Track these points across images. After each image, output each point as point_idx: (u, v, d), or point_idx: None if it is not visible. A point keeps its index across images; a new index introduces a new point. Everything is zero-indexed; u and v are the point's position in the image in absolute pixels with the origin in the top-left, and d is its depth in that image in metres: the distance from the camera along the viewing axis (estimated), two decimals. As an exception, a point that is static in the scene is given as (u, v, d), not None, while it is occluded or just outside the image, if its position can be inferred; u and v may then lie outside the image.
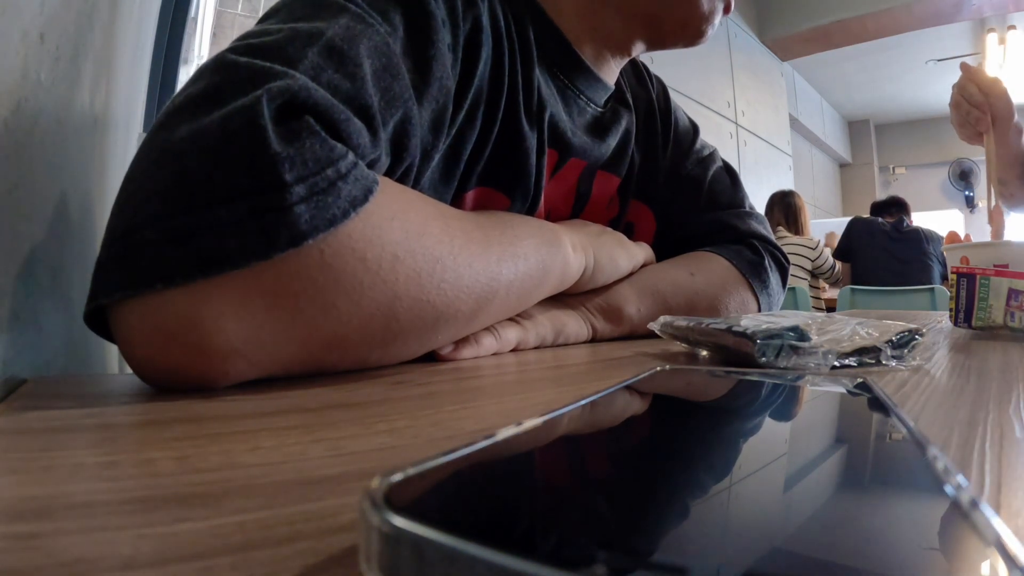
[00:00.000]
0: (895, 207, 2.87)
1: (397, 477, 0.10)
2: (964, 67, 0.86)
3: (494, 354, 0.43)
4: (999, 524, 0.09)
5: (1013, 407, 0.25)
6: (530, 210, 0.50)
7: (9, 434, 0.20)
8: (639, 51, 0.57)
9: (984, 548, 0.09)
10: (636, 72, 0.67)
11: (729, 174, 0.69)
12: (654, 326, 0.44)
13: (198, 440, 0.19)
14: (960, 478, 0.11)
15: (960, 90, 0.86)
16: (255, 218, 0.25)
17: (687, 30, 0.54)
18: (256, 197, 0.25)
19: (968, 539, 0.09)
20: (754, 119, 3.60)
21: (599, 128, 0.58)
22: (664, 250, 0.62)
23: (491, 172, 0.47)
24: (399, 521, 0.09)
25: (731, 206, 0.66)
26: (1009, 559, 0.08)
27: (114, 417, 0.23)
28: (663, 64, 2.58)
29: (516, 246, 0.40)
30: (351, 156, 0.29)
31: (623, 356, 0.43)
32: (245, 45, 0.29)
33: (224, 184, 0.25)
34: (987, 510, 0.10)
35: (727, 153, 3.24)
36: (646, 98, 0.65)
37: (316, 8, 0.33)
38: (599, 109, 0.57)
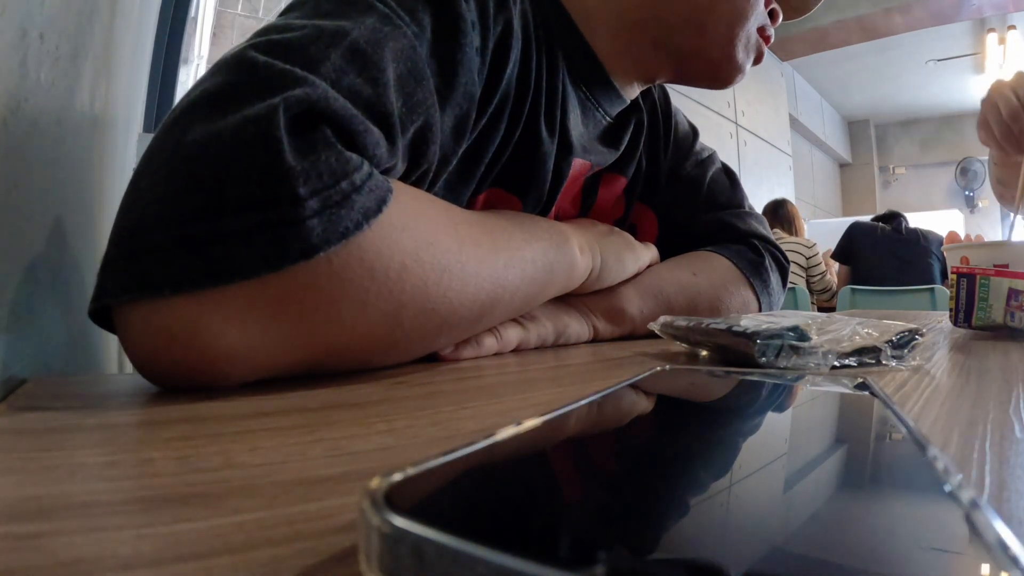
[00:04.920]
0: (892, 218, 2.88)
1: (397, 477, 0.10)
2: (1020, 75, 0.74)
3: (495, 354, 0.43)
4: (999, 524, 0.09)
5: (1013, 407, 0.25)
6: (542, 214, 0.50)
7: (9, 434, 0.20)
8: (662, 80, 0.58)
9: (984, 548, 0.09)
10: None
11: (728, 175, 0.70)
12: (654, 326, 0.44)
13: (198, 440, 0.19)
14: (960, 478, 0.11)
15: (1015, 90, 0.73)
16: (267, 230, 0.25)
17: (717, 75, 0.54)
18: (269, 209, 0.25)
19: (968, 539, 0.09)
20: (754, 119, 3.60)
21: (610, 137, 0.58)
22: (665, 250, 0.62)
23: (507, 175, 0.47)
24: (399, 521, 0.09)
25: (730, 206, 0.67)
26: (1009, 559, 0.08)
27: (114, 417, 0.23)
28: (663, 64, 2.58)
29: (524, 251, 0.40)
30: (366, 167, 0.28)
31: (623, 356, 0.43)
32: (266, 41, 0.29)
33: (236, 193, 0.25)
34: (987, 510, 0.10)
35: (727, 153, 3.25)
36: (649, 101, 0.65)
37: (343, 5, 0.32)
38: (611, 120, 0.57)
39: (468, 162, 0.43)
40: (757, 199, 3.16)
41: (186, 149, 0.26)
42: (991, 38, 4.19)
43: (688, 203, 0.66)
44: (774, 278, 0.63)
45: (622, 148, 0.59)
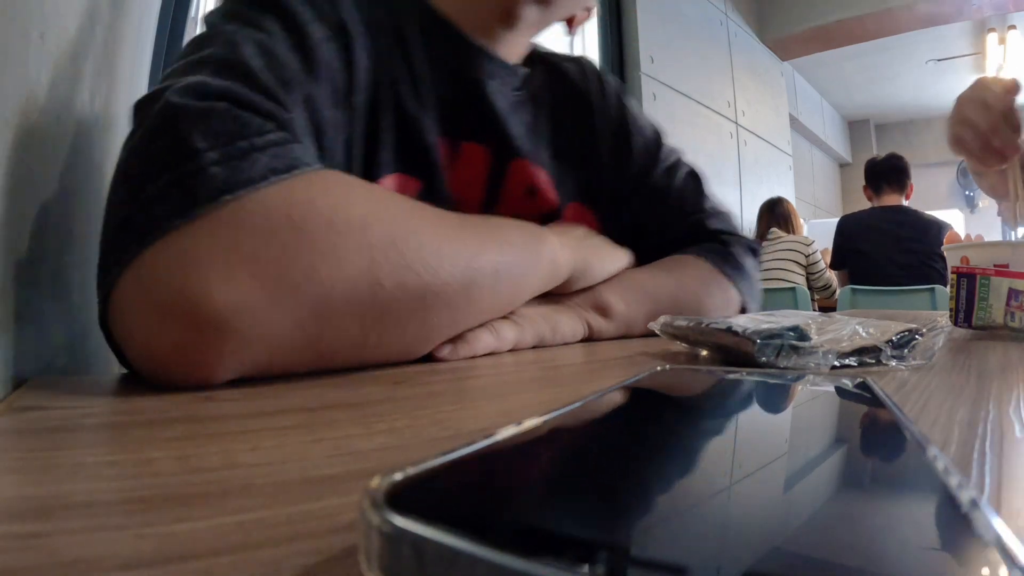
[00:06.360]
0: (895, 174, 2.52)
1: (397, 477, 0.10)
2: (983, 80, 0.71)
3: (492, 353, 0.43)
4: (999, 524, 0.09)
5: (1013, 407, 0.25)
6: (439, 197, 0.50)
7: (9, 434, 0.20)
8: (534, 17, 0.55)
9: (984, 548, 0.09)
10: (581, 69, 0.67)
11: (694, 178, 0.70)
12: (654, 326, 0.44)
13: (198, 440, 0.19)
14: (960, 478, 0.11)
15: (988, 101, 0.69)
16: (176, 184, 0.28)
17: None
18: (175, 168, 0.28)
19: (968, 539, 0.09)
20: (754, 119, 3.60)
21: (513, 113, 0.57)
22: (637, 257, 0.62)
23: (396, 160, 0.48)
24: (399, 521, 0.09)
25: (697, 211, 0.68)
26: (1009, 559, 0.08)
27: (114, 417, 0.23)
28: (663, 63, 2.58)
29: (499, 233, 0.41)
30: (270, 136, 0.31)
31: (623, 356, 0.43)
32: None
33: (151, 167, 0.28)
34: (987, 510, 0.10)
35: (727, 153, 3.23)
36: (597, 94, 0.65)
37: (199, 42, 0.36)
38: (514, 92, 0.57)
39: (357, 151, 0.45)
40: (757, 199, 3.15)
41: (119, 165, 0.30)
42: (991, 38, 4.19)
43: (658, 211, 0.66)
44: (748, 262, 0.64)
45: (520, 130, 0.57)
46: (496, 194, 0.57)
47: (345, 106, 0.42)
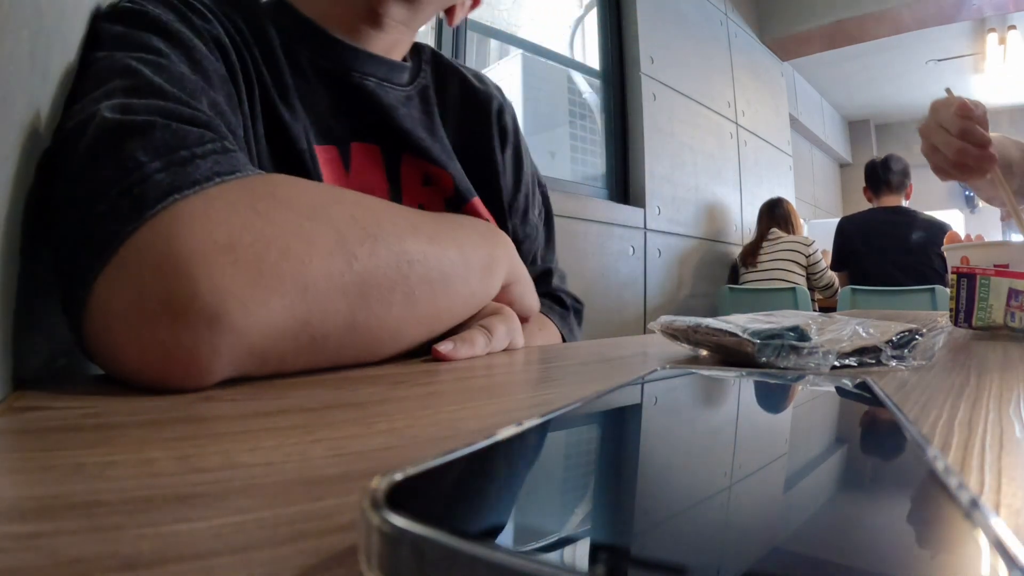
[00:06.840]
0: (895, 175, 2.53)
1: (397, 477, 0.10)
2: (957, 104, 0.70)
3: (488, 354, 0.43)
4: (999, 524, 0.09)
5: (1013, 407, 0.25)
6: None
7: (9, 434, 0.20)
8: (402, 15, 0.54)
9: (984, 548, 0.09)
10: (481, 80, 0.67)
11: (550, 225, 0.71)
12: (654, 326, 0.44)
13: (198, 440, 0.19)
14: (960, 478, 0.11)
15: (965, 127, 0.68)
16: (124, 195, 0.28)
17: None
18: (121, 183, 0.28)
19: (968, 539, 0.09)
20: (754, 119, 3.60)
21: (399, 107, 0.56)
22: None
23: (275, 167, 0.47)
24: (399, 521, 0.09)
25: (548, 261, 0.69)
26: (1009, 559, 0.08)
27: (114, 417, 0.23)
28: (663, 63, 2.58)
29: (451, 218, 0.43)
30: (209, 145, 0.32)
31: (623, 356, 0.43)
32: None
33: (97, 186, 0.29)
34: (987, 510, 0.10)
35: (727, 153, 3.23)
36: (497, 105, 0.65)
37: (94, 79, 0.35)
38: (400, 89, 0.56)
39: (253, 157, 0.45)
40: (757, 199, 3.15)
41: (61, 197, 0.30)
42: (991, 38, 4.19)
43: (523, 248, 0.66)
44: (578, 326, 0.69)
45: (408, 123, 0.56)
46: (398, 188, 0.56)
47: (239, 112, 0.43)
